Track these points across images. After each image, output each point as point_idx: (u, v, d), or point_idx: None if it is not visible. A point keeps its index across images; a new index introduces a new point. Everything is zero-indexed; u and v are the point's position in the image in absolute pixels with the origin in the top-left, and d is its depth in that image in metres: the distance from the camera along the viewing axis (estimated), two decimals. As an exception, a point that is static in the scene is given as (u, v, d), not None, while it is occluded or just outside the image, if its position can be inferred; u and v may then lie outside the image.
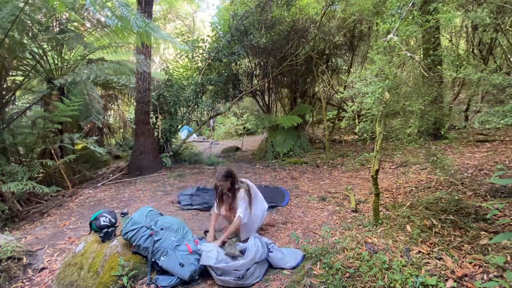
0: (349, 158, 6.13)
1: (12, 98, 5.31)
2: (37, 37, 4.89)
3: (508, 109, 1.77)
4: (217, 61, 7.31)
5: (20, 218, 3.93)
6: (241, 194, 2.72)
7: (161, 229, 2.39)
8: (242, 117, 13.51)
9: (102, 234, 2.47)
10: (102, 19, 5.47)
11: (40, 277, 2.48)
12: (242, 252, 2.35)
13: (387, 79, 2.35)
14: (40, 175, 4.63)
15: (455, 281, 1.84)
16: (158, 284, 2.18)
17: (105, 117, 8.52)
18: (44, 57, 5.32)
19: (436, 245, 2.24)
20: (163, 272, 2.28)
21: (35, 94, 6.16)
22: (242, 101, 11.70)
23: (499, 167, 3.49)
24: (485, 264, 1.94)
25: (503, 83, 1.92)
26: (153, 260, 2.31)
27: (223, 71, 7.60)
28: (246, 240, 2.54)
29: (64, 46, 5.50)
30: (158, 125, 6.68)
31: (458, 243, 2.22)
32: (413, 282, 1.84)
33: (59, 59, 5.52)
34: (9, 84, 5.37)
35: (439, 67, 2.33)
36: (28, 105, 6.17)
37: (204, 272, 2.33)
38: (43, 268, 2.59)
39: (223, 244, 2.49)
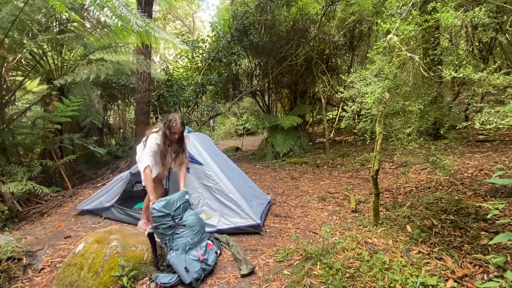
0: (349, 158, 6.12)
1: (12, 98, 5.30)
2: (37, 37, 4.89)
3: (508, 109, 1.77)
4: (217, 61, 7.32)
5: (20, 218, 3.93)
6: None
7: (184, 225, 2.41)
8: (242, 117, 13.51)
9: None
10: (102, 19, 5.46)
11: (40, 278, 2.48)
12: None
13: (387, 79, 2.35)
14: (40, 175, 4.63)
15: (455, 281, 1.84)
16: (158, 281, 2.19)
17: (105, 117, 8.50)
18: (44, 57, 5.31)
19: (436, 245, 2.24)
20: (167, 265, 2.34)
21: (35, 94, 6.16)
22: (242, 101, 11.71)
23: (499, 167, 3.48)
24: (485, 264, 1.94)
25: (504, 83, 1.92)
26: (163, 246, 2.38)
27: (223, 71, 7.61)
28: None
29: (64, 46, 5.50)
30: (158, 125, 6.67)
31: (458, 243, 2.22)
32: (413, 282, 1.83)
33: (59, 59, 5.51)
34: (9, 84, 5.36)
35: (439, 67, 2.33)
36: (28, 105, 6.16)
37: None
38: (43, 269, 2.59)
39: None
